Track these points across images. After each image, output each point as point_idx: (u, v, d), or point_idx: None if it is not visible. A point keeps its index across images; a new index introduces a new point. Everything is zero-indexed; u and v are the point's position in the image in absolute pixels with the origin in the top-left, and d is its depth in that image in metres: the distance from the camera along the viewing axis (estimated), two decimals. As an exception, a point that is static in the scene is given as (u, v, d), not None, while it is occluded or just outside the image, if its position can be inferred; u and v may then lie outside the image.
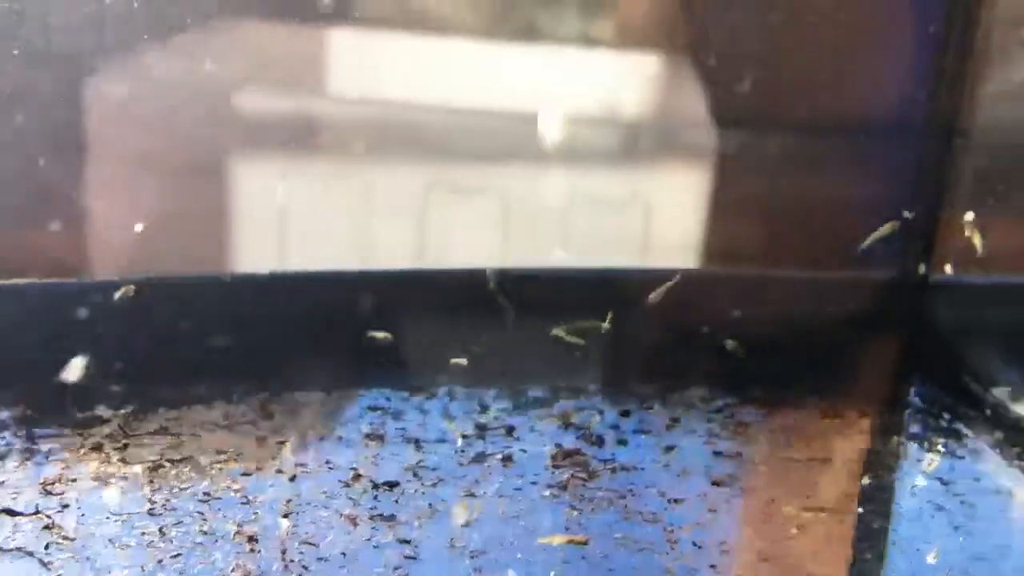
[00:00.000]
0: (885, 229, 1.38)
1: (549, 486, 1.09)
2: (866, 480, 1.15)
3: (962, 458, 1.20)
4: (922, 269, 1.41)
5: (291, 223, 1.32)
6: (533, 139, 1.33)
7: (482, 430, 1.21)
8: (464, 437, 1.18)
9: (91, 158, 1.21)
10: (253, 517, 1.00)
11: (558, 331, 1.32)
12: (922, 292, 1.42)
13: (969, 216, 1.35)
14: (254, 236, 1.31)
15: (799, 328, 1.41)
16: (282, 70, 1.28)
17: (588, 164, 1.40)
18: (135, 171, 1.24)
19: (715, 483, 1.11)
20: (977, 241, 1.34)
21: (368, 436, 1.17)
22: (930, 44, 1.35)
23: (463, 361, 1.31)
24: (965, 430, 1.27)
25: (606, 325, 1.33)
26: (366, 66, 1.31)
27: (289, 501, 1.03)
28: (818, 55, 1.36)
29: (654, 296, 1.34)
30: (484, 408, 1.26)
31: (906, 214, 1.38)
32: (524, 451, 1.16)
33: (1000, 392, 1.31)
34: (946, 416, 1.31)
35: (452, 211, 1.37)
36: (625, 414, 1.27)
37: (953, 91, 1.35)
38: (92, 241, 1.25)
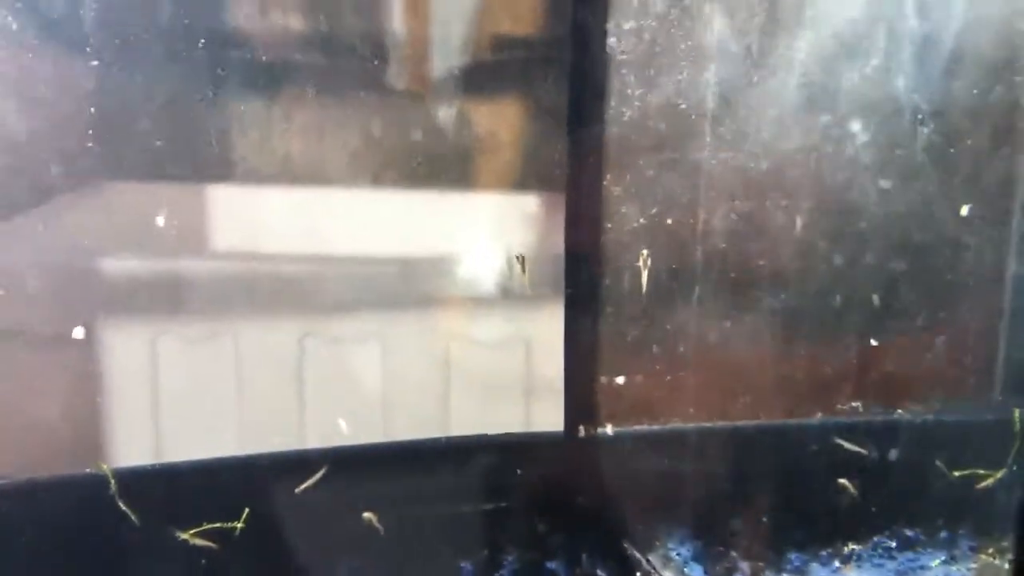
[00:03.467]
0: None
1: None
2: None
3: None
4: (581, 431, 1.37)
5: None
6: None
7: None
8: None
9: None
10: None
11: (185, 535, 1.19)
12: (579, 451, 1.38)
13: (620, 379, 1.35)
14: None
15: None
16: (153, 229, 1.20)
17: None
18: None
19: None
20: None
21: None
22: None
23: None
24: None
25: (240, 525, 1.20)
26: (238, 220, 1.25)
27: None
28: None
29: (303, 487, 1.24)
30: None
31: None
32: None
33: (655, 558, 1.26)
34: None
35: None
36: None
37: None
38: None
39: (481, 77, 1.28)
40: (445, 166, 1.29)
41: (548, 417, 1.38)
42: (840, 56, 1.31)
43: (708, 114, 1.30)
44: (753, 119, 1.31)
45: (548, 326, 1.36)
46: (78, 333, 1.20)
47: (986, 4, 1.33)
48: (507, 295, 1.35)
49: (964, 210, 1.38)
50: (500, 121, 1.30)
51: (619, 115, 1.31)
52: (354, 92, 1.24)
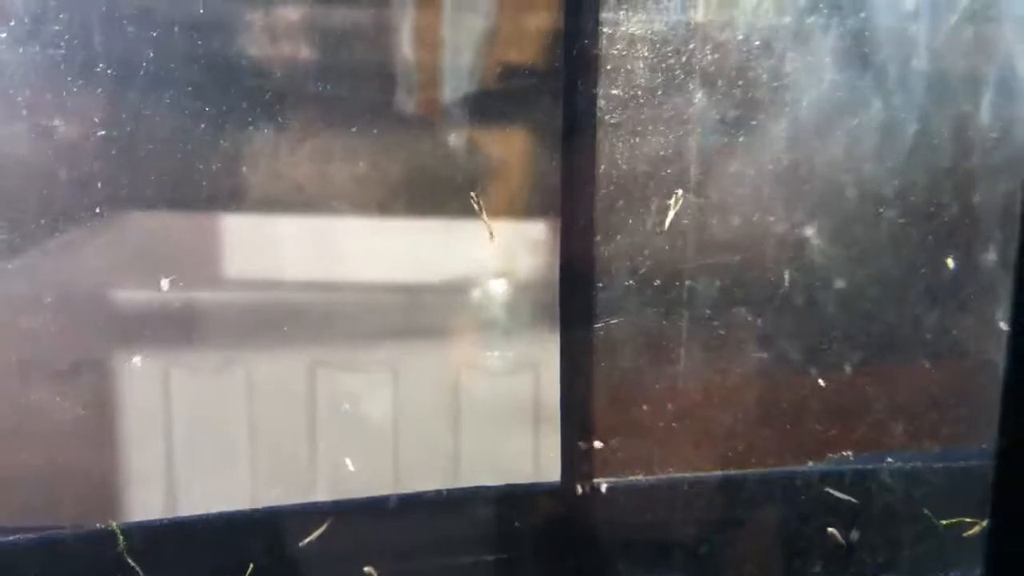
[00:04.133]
0: None
1: None
2: None
3: None
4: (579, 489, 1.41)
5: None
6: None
7: None
8: None
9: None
10: None
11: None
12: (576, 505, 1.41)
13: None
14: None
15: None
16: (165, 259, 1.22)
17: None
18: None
19: None
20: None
21: None
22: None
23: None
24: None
25: (245, 580, 1.24)
26: (248, 249, 1.26)
27: None
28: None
29: (307, 541, 1.27)
30: None
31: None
32: None
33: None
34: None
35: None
36: None
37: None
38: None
39: (487, 109, 1.29)
40: (449, 195, 1.30)
41: (545, 458, 1.40)
42: (819, 127, 1.36)
43: (691, 178, 1.35)
44: (735, 186, 1.36)
45: (545, 361, 1.38)
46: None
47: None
48: (506, 331, 1.36)
49: (950, 262, 1.42)
50: (506, 152, 1.32)
51: (608, 177, 1.36)
52: (363, 121, 1.25)
